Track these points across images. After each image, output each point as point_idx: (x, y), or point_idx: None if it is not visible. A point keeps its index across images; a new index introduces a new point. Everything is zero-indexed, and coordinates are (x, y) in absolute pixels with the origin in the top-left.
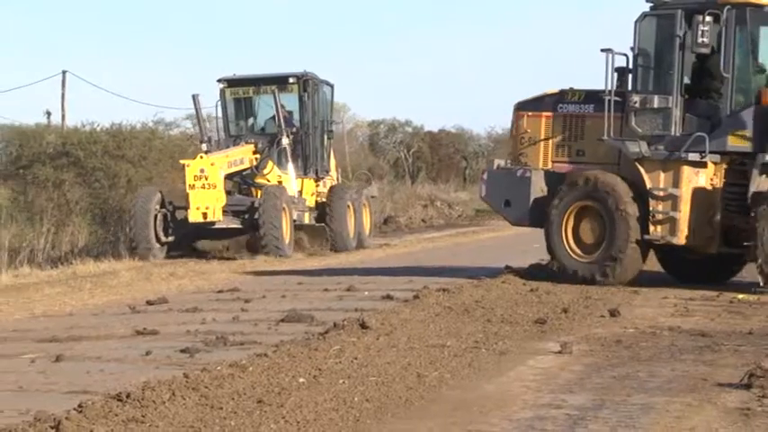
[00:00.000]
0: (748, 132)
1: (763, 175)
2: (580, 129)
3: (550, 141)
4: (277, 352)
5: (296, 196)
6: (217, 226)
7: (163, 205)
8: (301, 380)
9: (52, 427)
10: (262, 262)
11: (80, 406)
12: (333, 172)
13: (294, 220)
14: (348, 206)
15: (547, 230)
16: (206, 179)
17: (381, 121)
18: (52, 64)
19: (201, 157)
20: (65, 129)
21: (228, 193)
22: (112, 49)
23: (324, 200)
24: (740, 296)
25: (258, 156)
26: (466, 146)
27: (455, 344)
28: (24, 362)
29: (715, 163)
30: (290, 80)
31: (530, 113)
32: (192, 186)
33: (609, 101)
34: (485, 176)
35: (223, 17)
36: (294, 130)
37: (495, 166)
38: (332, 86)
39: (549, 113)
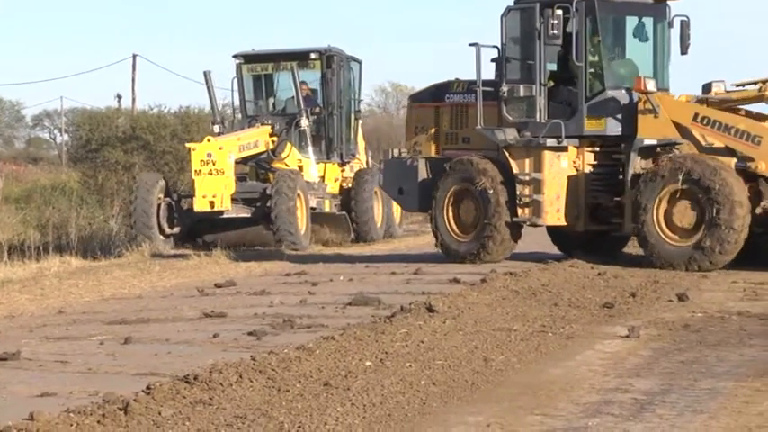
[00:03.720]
0: (603, 117)
1: (640, 158)
2: (465, 117)
3: (440, 130)
4: (344, 335)
5: (315, 182)
6: (225, 216)
7: (167, 194)
8: (368, 363)
9: (121, 409)
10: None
11: (148, 388)
12: (361, 155)
13: (313, 208)
14: (375, 192)
15: (432, 213)
16: (213, 164)
17: None
18: (123, 48)
19: (209, 141)
20: (134, 112)
21: (243, 179)
22: (182, 32)
23: (349, 186)
24: None
25: (275, 138)
26: None
27: (522, 327)
28: (93, 344)
29: (576, 147)
30: (312, 56)
31: (421, 104)
32: (199, 172)
33: (479, 92)
34: (382, 166)
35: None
36: (317, 110)
37: (390, 156)
38: (360, 63)
39: (438, 104)
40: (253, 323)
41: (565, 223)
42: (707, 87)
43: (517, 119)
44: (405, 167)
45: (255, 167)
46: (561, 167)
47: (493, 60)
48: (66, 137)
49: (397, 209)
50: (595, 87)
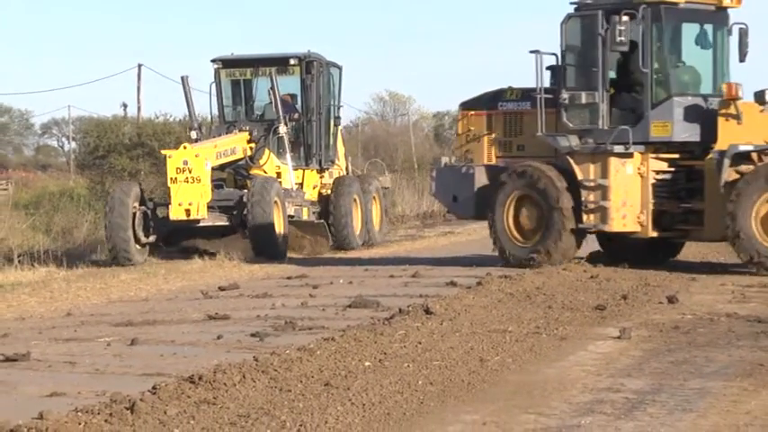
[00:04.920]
0: (669, 123)
1: (732, 166)
2: (519, 125)
3: (493, 138)
4: (344, 336)
5: (293, 189)
6: (201, 224)
7: (142, 202)
8: (367, 363)
9: (127, 408)
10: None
11: (154, 388)
12: (341, 161)
13: (291, 216)
14: (354, 200)
15: (490, 219)
16: (189, 172)
17: (446, 112)
18: (128, 58)
19: (185, 148)
20: (140, 120)
21: (219, 186)
22: (186, 42)
23: (328, 192)
24: None
25: (253, 145)
26: None
27: (516, 329)
28: (101, 345)
29: (641, 153)
30: (291, 61)
31: (472, 112)
32: (174, 180)
33: (540, 98)
34: (434, 174)
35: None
36: (296, 116)
37: (442, 164)
38: (340, 69)
39: (491, 111)
40: (255, 325)
41: (630, 230)
42: (760, 95)
43: (578, 125)
44: (459, 175)
45: (233, 174)
46: (626, 174)
47: (548, 68)
48: (73, 144)
49: (376, 216)
50: (661, 94)
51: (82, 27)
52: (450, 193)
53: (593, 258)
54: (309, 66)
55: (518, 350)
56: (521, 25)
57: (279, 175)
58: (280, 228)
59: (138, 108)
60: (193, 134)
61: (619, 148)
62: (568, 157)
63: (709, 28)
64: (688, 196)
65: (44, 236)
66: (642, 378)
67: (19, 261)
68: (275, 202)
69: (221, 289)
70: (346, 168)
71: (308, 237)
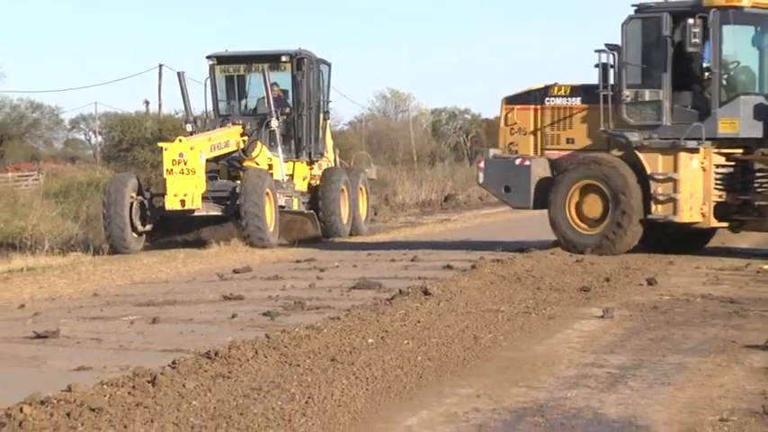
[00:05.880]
0: (736, 120)
1: None
2: (569, 119)
3: (540, 131)
4: (348, 315)
5: (284, 180)
6: (196, 214)
7: (139, 192)
8: (370, 340)
9: (149, 382)
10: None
11: (174, 363)
12: (330, 154)
13: (282, 206)
14: (342, 190)
15: (551, 207)
16: (185, 164)
17: (443, 109)
18: (151, 58)
19: (181, 140)
20: (161, 116)
21: (214, 177)
22: (204, 44)
23: (317, 184)
24: (766, 266)
25: (246, 138)
26: None
27: (508, 309)
28: (124, 323)
29: (705, 148)
30: (283, 58)
31: (518, 106)
32: (170, 171)
33: (604, 95)
34: (482, 165)
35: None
36: (287, 110)
37: (491, 155)
38: (329, 65)
39: (538, 106)
40: (267, 305)
41: (695, 220)
42: None
43: (639, 121)
44: (513, 166)
45: (227, 166)
46: (693, 167)
47: (596, 66)
48: (99, 138)
49: (362, 206)
50: (728, 92)
51: (108, 30)
52: (501, 184)
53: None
54: (300, 62)
55: (509, 329)
56: (517, 28)
57: (270, 166)
58: (271, 217)
59: (159, 105)
60: (189, 127)
61: (692, 144)
62: (637, 151)
63: (766, 30)
64: (743, 189)
65: (72, 222)
66: (624, 354)
67: (49, 246)
68: (267, 192)
69: (235, 272)
70: (334, 161)
71: (297, 225)
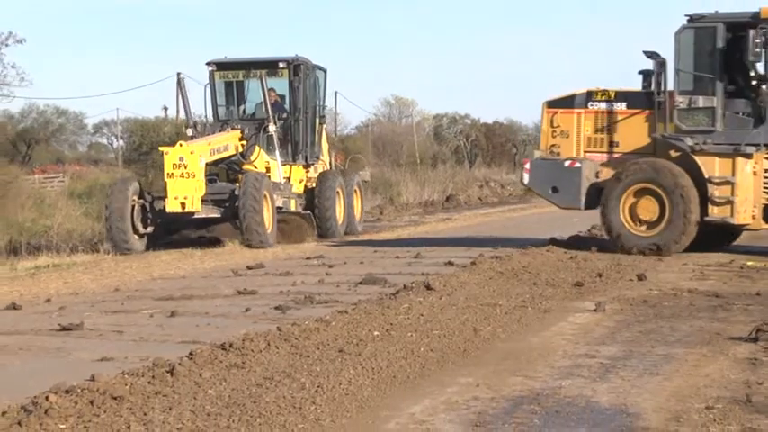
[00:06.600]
0: None
1: None
2: (613, 123)
3: (583, 134)
4: (355, 309)
5: (281, 183)
6: (196, 216)
7: (141, 196)
8: (376, 333)
9: (167, 371)
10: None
11: (191, 353)
12: (325, 157)
13: (279, 208)
14: (337, 192)
15: (604, 210)
16: (185, 168)
17: (444, 114)
18: (169, 67)
19: (181, 145)
20: (178, 121)
21: (213, 180)
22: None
23: (313, 186)
24: (749, 263)
25: (245, 142)
26: (516, 135)
27: (506, 303)
28: (144, 316)
29: (758, 153)
30: (280, 65)
31: (561, 110)
32: (171, 175)
33: (658, 100)
34: (527, 166)
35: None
36: (284, 115)
37: (537, 157)
38: (325, 71)
39: (581, 110)
40: (279, 299)
41: (746, 222)
42: None
43: (692, 127)
44: (561, 168)
45: (226, 169)
46: (746, 172)
47: (640, 72)
48: (121, 142)
49: (357, 207)
50: None
51: (129, 40)
52: (548, 185)
53: (572, 241)
54: (297, 69)
55: (507, 321)
56: (516, 37)
57: (268, 170)
58: (269, 218)
59: (177, 110)
60: (189, 131)
61: (750, 150)
62: (693, 156)
63: None
64: None
65: (95, 222)
66: (615, 345)
67: (74, 244)
68: (265, 195)
69: (249, 268)
70: (330, 164)
71: (294, 226)
